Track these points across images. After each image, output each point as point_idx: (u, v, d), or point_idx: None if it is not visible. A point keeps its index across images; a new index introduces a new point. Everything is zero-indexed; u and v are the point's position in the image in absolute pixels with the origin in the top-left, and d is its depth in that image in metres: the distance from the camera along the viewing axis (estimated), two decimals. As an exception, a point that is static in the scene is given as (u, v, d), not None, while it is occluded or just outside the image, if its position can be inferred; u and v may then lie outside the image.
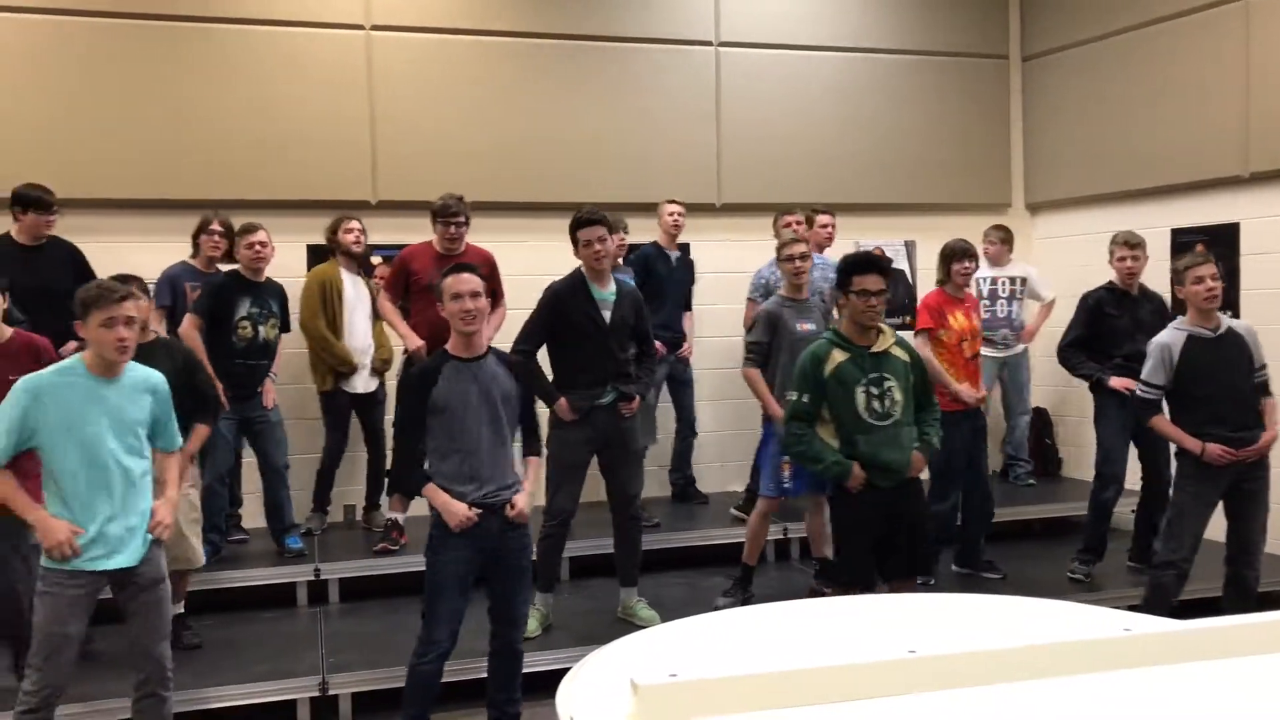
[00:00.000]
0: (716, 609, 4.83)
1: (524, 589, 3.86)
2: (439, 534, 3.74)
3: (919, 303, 5.54)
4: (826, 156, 7.01)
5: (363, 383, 5.72)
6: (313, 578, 5.30)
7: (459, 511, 3.65)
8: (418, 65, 6.35)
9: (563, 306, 4.62)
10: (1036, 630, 2.46)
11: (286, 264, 5.88)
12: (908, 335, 4.91)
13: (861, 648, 2.08)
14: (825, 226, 6.13)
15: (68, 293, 5.15)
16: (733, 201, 6.85)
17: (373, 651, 4.56)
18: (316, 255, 5.99)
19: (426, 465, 3.75)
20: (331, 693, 4.35)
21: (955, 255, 5.31)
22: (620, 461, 4.77)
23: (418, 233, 5.68)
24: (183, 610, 4.73)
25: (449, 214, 5.30)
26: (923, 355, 4.69)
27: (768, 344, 5.01)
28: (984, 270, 6.43)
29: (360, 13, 6.24)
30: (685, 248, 6.40)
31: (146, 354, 4.42)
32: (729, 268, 6.27)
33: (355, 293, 5.72)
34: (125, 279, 4.45)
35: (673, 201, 6.22)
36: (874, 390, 4.07)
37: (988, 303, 6.56)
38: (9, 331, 4.09)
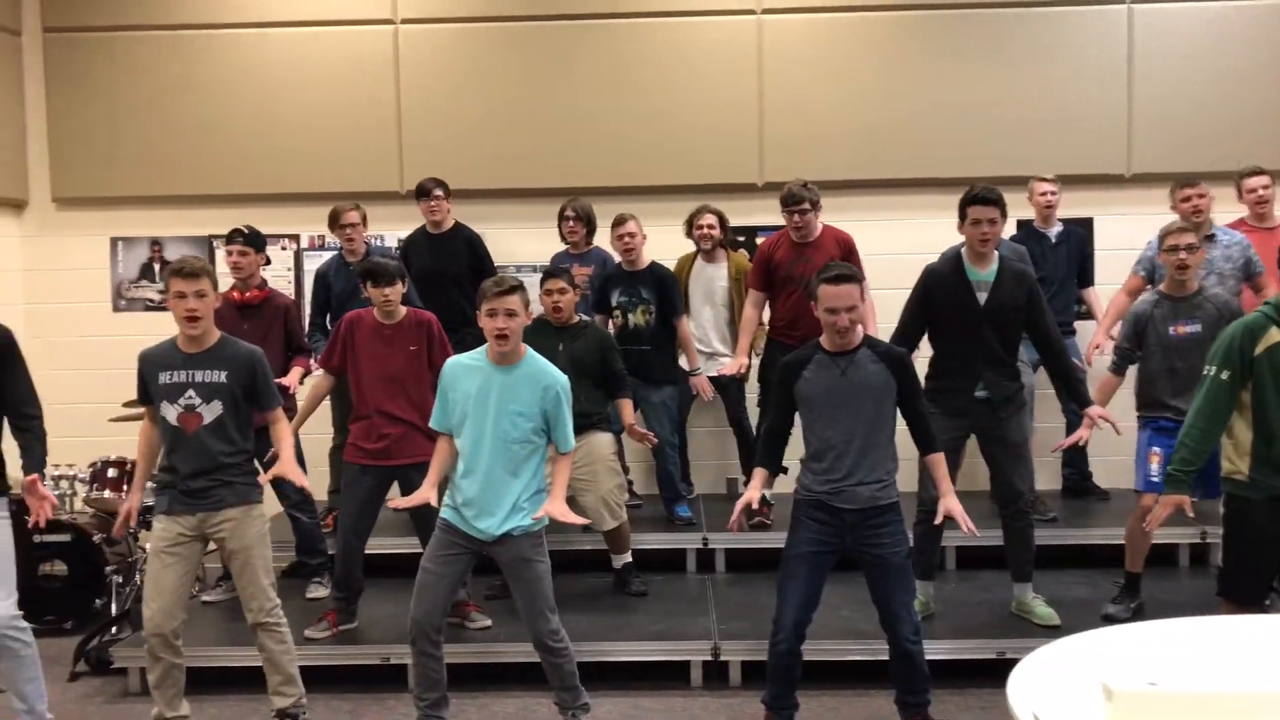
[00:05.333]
0: (1106, 616, 4.54)
1: (896, 585, 3.69)
2: (796, 515, 3.76)
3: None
4: (1257, 116, 6.24)
5: (705, 368, 5.79)
6: (701, 546, 5.52)
7: (739, 503, 3.69)
8: (806, 45, 6.38)
9: (935, 288, 4.43)
10: None
11: (685, 248, 6.07)
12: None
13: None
14: (1253, 191, 5.46)
15: (458, 276, 5.75)
16: (1145, 171, 6.28)
17: (762, 622, 4.60)
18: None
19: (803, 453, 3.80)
20: (723, 658, 4.50)
21: None
22: (999, 455, 4.51)
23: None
24: (629, 559, 5.14)
25: (791, 202, 5.23)
26: None
27: (1128, 349, 4.56)
28: None
29: (752, -2, 6.38)
30: (1076, 225, 5.95)
31: (570, 335, 4.90)
32: (1139, 243, 5.69)
33: (694, 283, 5.83)
34: (556, 273, 4.91)
35: (1043, 179, 5.81)
36: None
37: None
38: (404, 310, 4.57)
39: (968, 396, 4.42)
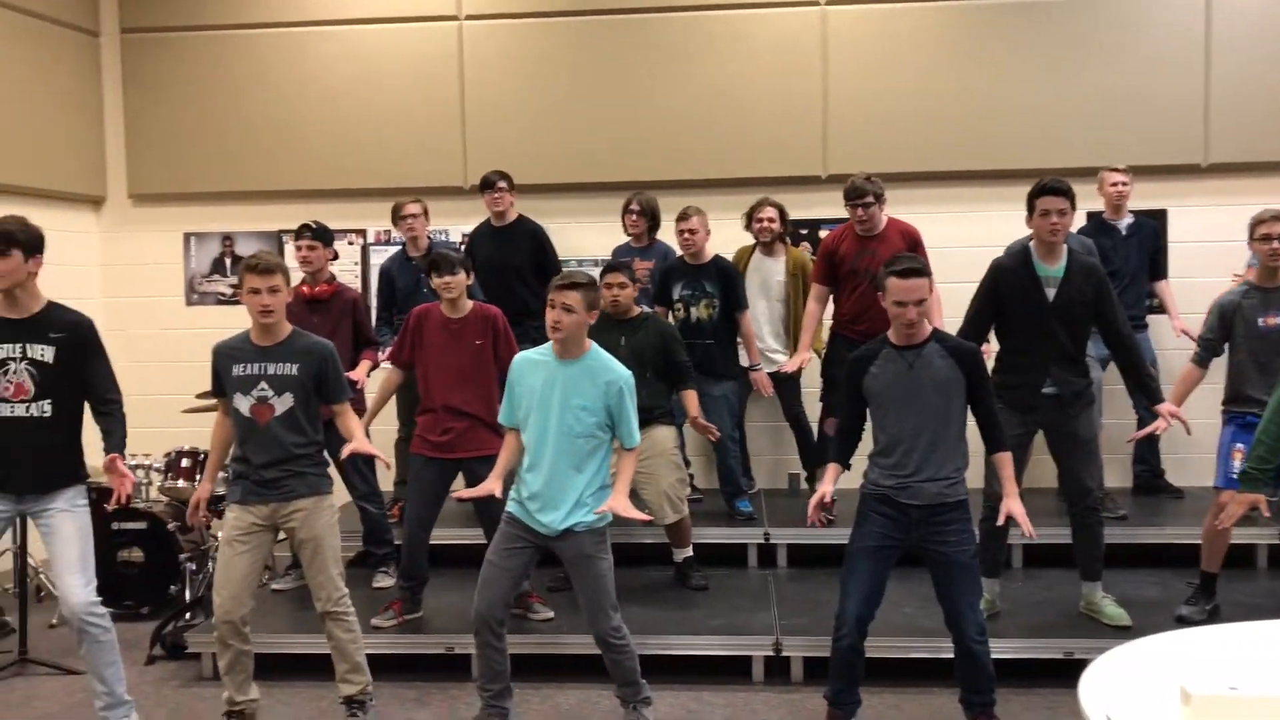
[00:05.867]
0: (1179, 618, 4.44)
1: (961, 583, 3.63)
2: (861, 510, 3.73)
3: None
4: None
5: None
6: (762, 540, 5.50)
7: (811, 502, 3.70)
8: (871, 36, 6.31)
9: (1003, 283, 4.34)
10: None
11: (745, 240, 6.02)
12: None
13: None
14: None
15: (521, 268, 5.77)
16: (1223, 161, 6.11)
17: (824, 617, 4.58)
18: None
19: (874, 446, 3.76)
20: (785, 654, 4.49)
21: None
22: (1068, 452, 4.42)
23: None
24: (690, 553, 5.16)
25: (855, 196, 5.15)
26: None
27: (1214, 340, 4.45)
28: None
29: (817, -11, 6.32)
30: (1149, 217, 5.81)
31: (631, 328, 4.92)
32: (1215, 236, 5.60)
33: (751, 277, 5.79)
34: (616, 266, 4.94)
35: (1114, 170, 5.68)
36: None
37: None
38: (470, 304, 4.62)
39: (1035, 392, 4.35)
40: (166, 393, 6.27)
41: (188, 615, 5.01)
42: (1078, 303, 4.28)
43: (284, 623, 4.78)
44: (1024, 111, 6.21)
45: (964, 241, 5.93)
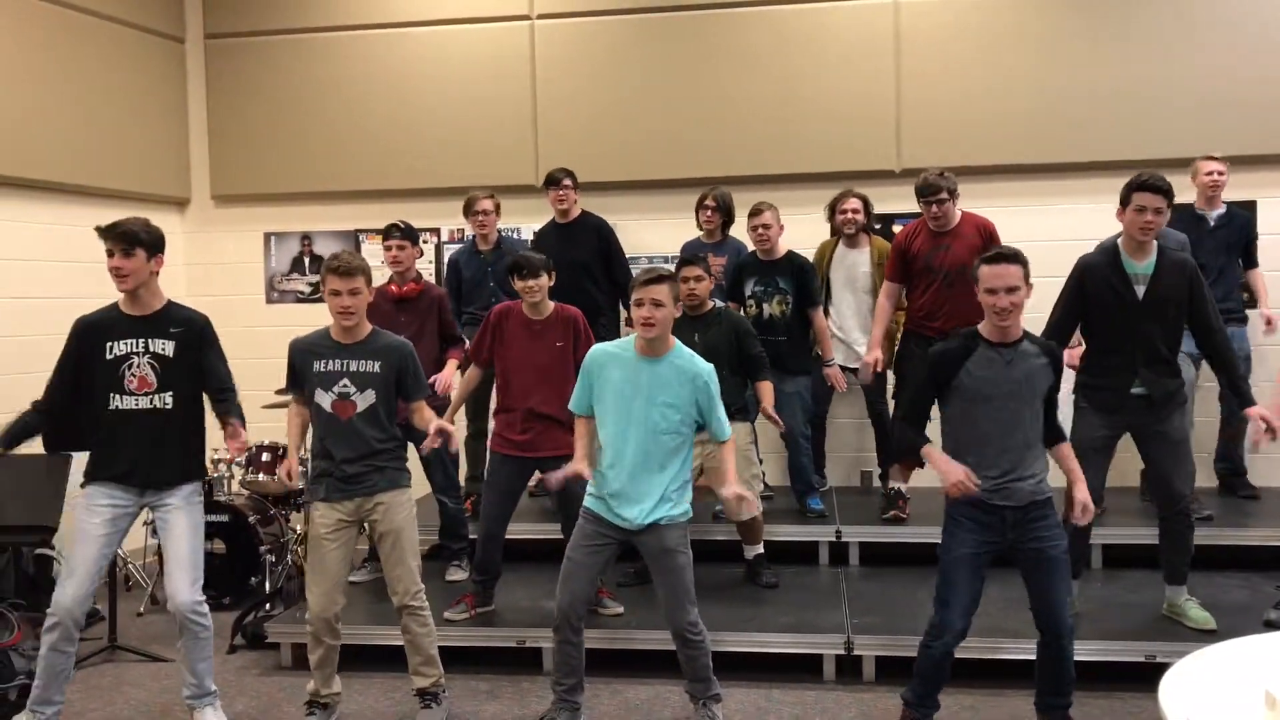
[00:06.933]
0: (1267, 623, 4.30)
1: (1057, 578, 3.55)
2: (952, 516, 3.63)
3: None
4: None
5: (842, 357, 5.68)
6: (834, 539, 5.45)
7: (954, 471, 3.46)
8: (948, 29, 6.22)
9: (1089, 280, 4.20)
10: None
11: (819, 236, 5.99)
12: None
13: None
14: None
15: (588, 265, 5.76)
16: (1314, 150, 5.89)
17: (896, 617, 4.57)
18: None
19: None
20: (856, 653, 4.44)
21: None
22: (1159, 455, 4.26)
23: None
24: (761, 550, 5.16)
25: (928, 192, 5.06)
26: None
27: None
28: None
29: (889, -18, 6.25)
30: (1240, 205, 5.63)
31: (705, 324, 4.93)
32: (1308, 228, 5.41)
33: (836, 269, 5.74)
34: (692, 260, 4.95)
35: (1210, 159, 5.50)
36: None
37: None
38: (551, 305, 4.64)
39: (1123, 394, 4.21)
40: (247, 389, 6.30)
41: (268, 606, 5.14)
42: (1169, 300, 4.12)
43: (360, 614, 4.86)
44: (1105, 101, 6.06)
45: (1045, 236, 5.80)
